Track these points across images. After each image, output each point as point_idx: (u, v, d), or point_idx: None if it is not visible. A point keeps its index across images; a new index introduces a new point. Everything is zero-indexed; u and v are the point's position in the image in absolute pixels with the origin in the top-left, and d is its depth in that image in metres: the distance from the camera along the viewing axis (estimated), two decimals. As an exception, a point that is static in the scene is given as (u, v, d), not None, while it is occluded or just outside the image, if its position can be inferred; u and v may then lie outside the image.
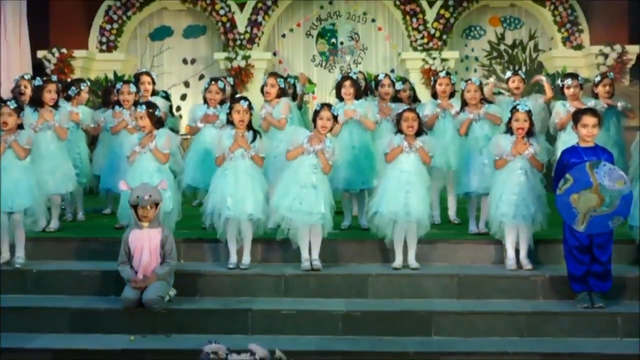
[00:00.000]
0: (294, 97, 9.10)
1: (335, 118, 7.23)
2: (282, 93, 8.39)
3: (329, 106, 7.29)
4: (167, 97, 9.71)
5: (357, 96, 8.21)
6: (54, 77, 8.81)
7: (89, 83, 9.13)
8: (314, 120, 7.24)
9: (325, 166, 7.06)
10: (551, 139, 8.20)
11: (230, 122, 7.26)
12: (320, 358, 6.02)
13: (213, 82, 8.57)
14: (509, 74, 8.79)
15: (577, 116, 6.83)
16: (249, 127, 7.24)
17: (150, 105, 7.45)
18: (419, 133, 7.20)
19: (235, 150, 7.07)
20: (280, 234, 7.11)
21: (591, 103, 8.41)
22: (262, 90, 8.52)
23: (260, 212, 7.13)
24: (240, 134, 7.12)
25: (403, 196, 7.04)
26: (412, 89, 8.94)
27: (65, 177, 8.15)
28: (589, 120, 6.66)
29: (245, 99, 7.41)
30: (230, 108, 7.31)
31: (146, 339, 6.32)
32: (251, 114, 7.27)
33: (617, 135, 8.58)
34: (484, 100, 8.09)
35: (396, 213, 7.03)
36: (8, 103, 7.35)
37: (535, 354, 6.06)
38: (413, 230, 7.12)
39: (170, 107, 9.55)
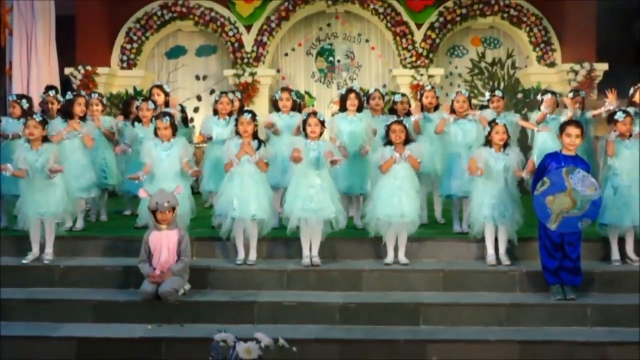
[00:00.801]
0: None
1: (322, 123, 7.23)
2: (294, 105, 8.48)
3: (314, 113, 7.31)
4: (182, 109, 9.73)
5: (359, 108, 8.17)
6: (83, 92, 8.87)
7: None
8: (304, 129, 7.26)
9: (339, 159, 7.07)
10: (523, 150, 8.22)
11: (238, 132, 7.29)
12: (319, 345, 6.03)
13: (223, 95, 8.64)
14: (487, 94, 8.85)
15: (562, 127, 6.85)
16: (254, 136, 7.26)
17: (171, 117, 7.47)
18: (406, 142, 7.23)
19: (241, 156, 7.09)
20: (292, 233, 7.14)
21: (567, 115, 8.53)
22: (275, 104, 8.57)
23: (264, 213, 7.14)
24: (246, 142, 7.13)
25: (396, 200, 7.07)
26: (409, 102, 8.94)
27: (89, 183, 8.19)
28: (572, 130, 6.68)
29: (249, 111, 7.44)
30: (237, 120, 7.35)
31: (162, 328, 6.36)
32: (255, 125, 7.27)
33: (587, 143, 8.62)
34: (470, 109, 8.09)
35: (391, 215, 7.05)
36: (34, 116, 7.42)
37: (513, 341, 6.08)
38: (404, 230, 7.16)
39: (184, 118, 9.57)
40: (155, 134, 7.49)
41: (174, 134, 7.47)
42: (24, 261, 7.29)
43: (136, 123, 8.65)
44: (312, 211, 7.02)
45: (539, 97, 9.10)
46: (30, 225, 7.28)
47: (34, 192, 7.23)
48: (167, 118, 7.40)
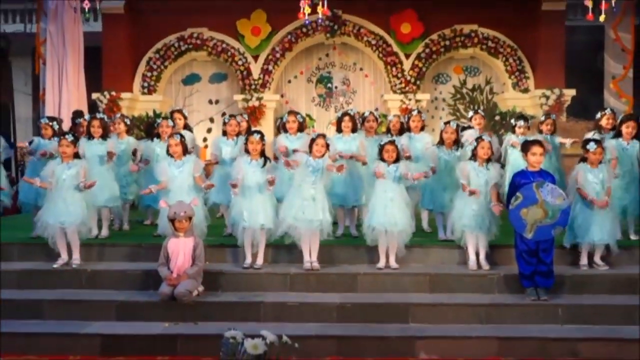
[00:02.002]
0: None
1: (327, 146, 7.22)
2: (300, 127, 8.46)
3: (323, 136, 7.30)
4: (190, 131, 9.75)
5: (354, 130, 8.21)
6: (100, 115, 8.87)
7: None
8: (311, 146, 7.23)
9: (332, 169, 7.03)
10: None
11: (247, 150, 7.28)
12: (319, 341, 6.01)
13: (231, 119, 8.64)
14: (471, 113, 8.85)
15: (526, 146, 6.81)
16: (262, 154, 7.26)
17: (182, 136, 7.51)
18: (397, 160, 7.24)
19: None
20: (288, 239, 7.10)
21: (539, 137, 8.51)
22: (283, 126, 8.55)
23: (271, 223, 7.12)
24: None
25: (389, 211, 7.05)
26: (402, 122, 8.96)
27: (111, 194, 8.17)
28: (536, 150, 6.68)
29: (259, 132, 7.43)
30: (247, 139, 7.33)
31: (178, 325, 6.34)
32: (263, 144, 7.27)
33: (557, 162, 8.63)
34: (457, 141, 7.91)
35: (385, 225, 7.03)
36: (66, 136, 7.43)
37: (492, 337, 6.06)
38: (395, 238, 7.11)
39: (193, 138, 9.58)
40: (168, 153, 7.52)
41: (184, 152, 7.48)
42: (55, 266, 7.27)
43: (155, 139, 8.70)
44: (302, 220, 7.00)
45: (512, 121, 9.09)
46: (52, 233, 7.23)
47: (56, 202, 7.20)
48: (178, 136, 7.47)
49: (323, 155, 7.19)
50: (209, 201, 8.12)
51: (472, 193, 6.96)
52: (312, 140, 7.25)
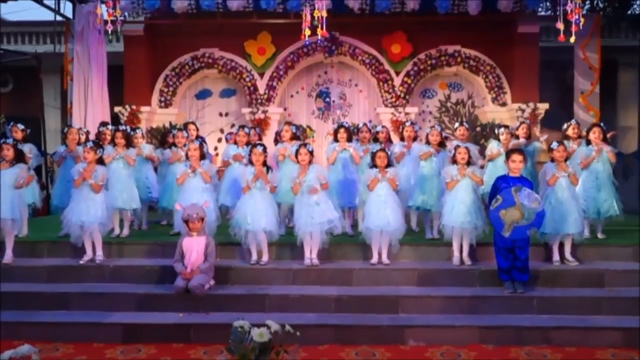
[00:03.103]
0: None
1: (311, 153, 7.27)
2: (293, 136, 8.49)
3: (305, 145, 7.37)
4: (203, 141, 9.78)
5: (349, 139, 8.30)
6: (122, 127, 8.91)
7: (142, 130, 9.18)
8: (296, 156, 7.29)
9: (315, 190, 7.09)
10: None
11: (250, 160, 7.31)
12: (318, 329, 6.02)
13: (240, 129, 8.68)
14: (457, 125, 8.87)
15: (508, 154, 6.89)
16: (264, 163, 7.27)
17: (203, 141, 7.60)
18: (388, 165, 7.26)
19: (255, 181, 7.13)
20: (298, 241, 7.18)
21: (517, 142, 8.56)
22: (278, 134, 8.60)
23: (271, 225, 7.17)
24: (261, 170, 7.16)
25: (383, 213, 7.07)
26: (388, 132, 9.02)
27: (131, 197, 8.18)
28: (516, 157, 6.73)
29: (261, 144, 7.49)
30: (250, 151, 7.37)
31: (191, 315, 6.36)
32: (265, 155, 7.29)
33: (531, 168, 8.65)
34: (442, 143, 8.18)
35: (380, 226, 7.06)
36: (88, 144, 7.46)
37: (474, 326, 6.08)
38: (389, 235, 7.13)
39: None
40: (186, 157, 7.60)
41: (201, 157, 7.50)
42: (81, 262, 7.28)
43: (173, 147, 8.75)
44: (315, 225, 7.05)
45: (495, 130, 9.13)
46: (75, 231, 7.24)
47: (79, 202, 7.21)
48: (198, 140, 7.66)
49: (310, 162, 7.23)
50: (219, 203, 8.14)
51: (452, 185, 7.07)
52: (297, 152, 7.30)
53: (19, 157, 7.47)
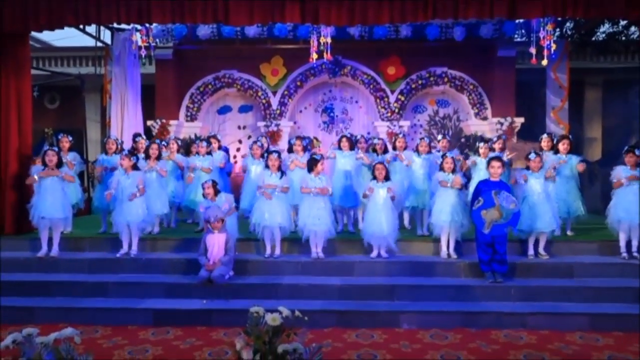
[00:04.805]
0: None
1: (279, 158, 7.35)
2: (304, 148, 8.49)
3: (321, 158, 7.45)
4: (226, 150, 9.79)
5: (351, 148, 8.37)
6: (158, 140, 8.90)
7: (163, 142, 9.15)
8: (312, 166, 7.28)
9: (324, 191, 7.12)
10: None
11: (267, 166, 7.33)
12: (324, 315, 6.02)
13: (254, 144, 8.67)
14: (440, 137, 8.87)
15: (488, 162, 6.91)
16: (279, 168, 7.30)
17: (214, 183, 7.33)
18: (387, 177, 7.26)
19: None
20: (305, 238, 7.17)
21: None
22: (291, 147, 8.58)
23: (286, 222, 7.18)
24: (272, 174, 7.22)
25: (378, 220, 7.07)
26: (385, 144, 9.03)
27: (162, 202, 8.15)
28: (495, 164, 6.76)
29: (276, 151, 7.50)
30: (267, 157, 7.39)
31: (213, 302, 6.37)
32: (280, 161, 7.32)
33: (507, 173, 8.58)
34: (429, 151, 8.20)
35: (376, 232, 7.06)
36: (123, 152, 7.49)
37: (459, 312, 6.07)
38: (383, 240, 7.13)
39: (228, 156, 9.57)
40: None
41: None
42: (118, 255, 7.29)
43: (196, 155, 8.78)
44: (318, 225, 7.08)
45: (477, 143, 9.09)
46: (120, 229, 7.28)
47: (122, 205, 7.24)
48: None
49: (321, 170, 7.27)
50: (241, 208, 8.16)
51: (445, 185, 7.05)
52: (315, 161, 7.29)
53: (60, 163, 7.46)
